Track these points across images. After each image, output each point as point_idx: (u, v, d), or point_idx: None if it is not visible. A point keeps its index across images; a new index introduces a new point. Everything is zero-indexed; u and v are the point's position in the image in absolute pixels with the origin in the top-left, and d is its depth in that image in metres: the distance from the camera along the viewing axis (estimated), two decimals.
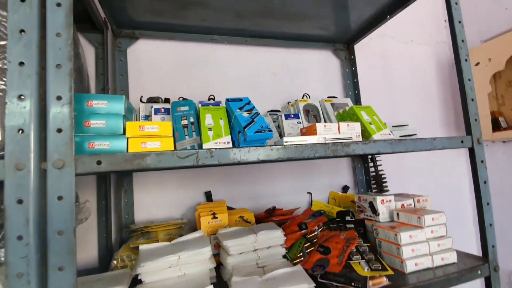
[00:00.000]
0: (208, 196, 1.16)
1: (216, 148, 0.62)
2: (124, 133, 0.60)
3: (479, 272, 0.79)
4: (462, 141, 0.83)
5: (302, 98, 1.20)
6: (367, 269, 0.76)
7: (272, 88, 1.32)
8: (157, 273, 0.77)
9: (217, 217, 1.00)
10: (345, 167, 1.39)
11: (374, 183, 1.30)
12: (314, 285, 0.68)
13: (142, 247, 0.83)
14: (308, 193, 1.29)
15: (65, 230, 0.51)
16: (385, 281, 0.72)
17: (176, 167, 0.59)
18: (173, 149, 0.64)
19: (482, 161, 0.84)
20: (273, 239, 0.87)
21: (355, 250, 0.82)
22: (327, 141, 0.73)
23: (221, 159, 0.62)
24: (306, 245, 0.92)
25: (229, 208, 1.12)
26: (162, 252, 0.80)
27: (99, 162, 0.55)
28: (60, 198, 0.52)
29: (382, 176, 1.29)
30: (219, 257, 0.91)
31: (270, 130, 0.75)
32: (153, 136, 0.61)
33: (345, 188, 1.35)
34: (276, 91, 1.32)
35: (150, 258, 0.77)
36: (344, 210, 1.07)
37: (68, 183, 0.52)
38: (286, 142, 0.70)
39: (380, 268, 0.76)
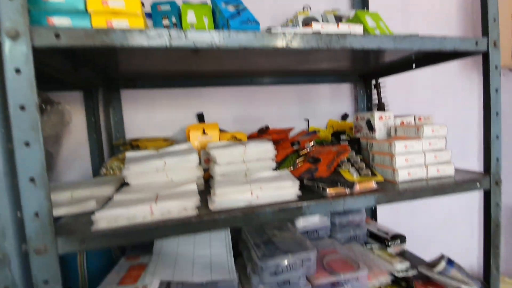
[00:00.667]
0: (200, 117, 1.12)
1: (191, 30, 0.55)
2: (86, 10, 0.53)
3: (478, 184, 0.75)
4: (476, 43, 0.73)
5: (302, 10, 1.07)
6: (356, 175, 0.73)
7: (272, 6, 1.19)
8: (144, 177, 0.76)
9: (207, 133, 0.98)
10: (346, 94, 1.31)
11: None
12: (299, 183, 0.66)
13: (128, 153, 0.82)
14: (305, 119, 1.24)
15: (26, 105, 0.48)
16: (373, 185, 0.70)
17: (146, 47, 0.53)
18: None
19: (496, 67, 0.74)
20: (262, 152, 0.84)
21: (346, 160, 0.78)
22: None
23: (198, 42, 0.56)
24: (297, 160, 0.89)
25: (222, 131, 1.09)
26: (148, 158, 0.79)
27: (57, 36, 0.50)
28: (18, 71, 0.48)
29: (385, 104, 1.21)
30: (209, 173, 0.90)
31: (258, 23, 0.67)
32: (119, 14, 0.54)
33: (344, 117, 1.28)
34: (276, 8, 1.19)
35: (135, 162, 0.76)
36: (340, 131, 1.02)
37: (25, 55, 0.48)
38: (272, 30, 0.62)
39: (369, 174, 0.73)
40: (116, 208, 0.57)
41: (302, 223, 1.01)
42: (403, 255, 1.05)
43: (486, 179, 0.76)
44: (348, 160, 0.78)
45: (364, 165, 0.76)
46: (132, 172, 0.74)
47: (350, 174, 0.74)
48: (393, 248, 1.09)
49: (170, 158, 0.77)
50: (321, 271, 0.82)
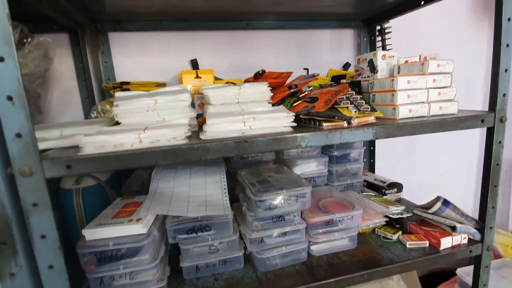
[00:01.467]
0: (194, 64, 1.07)
1: None
2: None
3: (482, 121, 0.72)
4: None
5: None
6: (355, 111, 0.70)
7: None
8: (134, 116, 0.73)
9: (200, 77, 0.94)
10: (348, 43, 1.24)
11: None
12: (293, 114, 0.63)
13: (118, 93, 0.78)
14: (304, 69, 1.19)
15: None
16: (372, 119, 0.67)
17: None
18: None
19: None
20: (258, 93, 0.80)
21: (345, 98, 0.75)
22: None
23: None
24: (295, 104, 0.86)
25: (217, 79, 1.04)
26: (139, 97, 0.75)
27: None
28: None
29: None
30: (204, 117, 0.88)
31: None
32: None
33: (346, 66, 1.23)
34: None
35: (125, 100, 0.73)
36: (340, 75, 0.97)
37: None
38: None
39: (369, 110, 0.70)
40: (103, 135, 0.55)
41: (299, 170, 1.01)
42: (399, 202, 1.06)
43: (490, 116, 0.72)
44: (347, 98, 0.75)
45: (363, 102, 0.73)
46: (122, 109, 0.71)
47: (349, 110, 0.71)
48: (389, 196, 1.10)
49: (161, 97, 0.74)
50: (316, 211, 0.82)
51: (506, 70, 0.70)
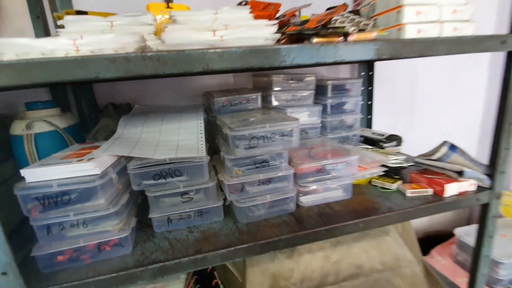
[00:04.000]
0: None
1: None
2: None
3: (504, 41, 0.60)
4: None
5: None
6: (354, 29, 0.57)
7: None
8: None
9: (172, 8, 0.79)
10: None
11: None
12: (276, 23, 0.51)
13: (68, 16, 0.65)
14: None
15: None
16: (373, 36, 0.55)
17: None
18: None
19: None
20: (238, 19, 0.67)
21: (341, 15, 0.62)
22: None
23: None
24: (286, 32, 0.73)
25: None
26: (92, 20, 0.62)
27: None
28: None
29: None
30: None
31: None
32: None
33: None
34: None
35: (76, 22, 0.59)
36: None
37: None
38: None
39: (370, 26, 0.57)
40: (27, 39, 0.42)
41: None
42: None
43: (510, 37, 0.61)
44: (345, 17, 0.62)
45: (364, 20, 0.60)
46: (71, 31, 0.58)
47: (346, 29, 0.58)
48: (388, 150, 1.00)
49: (119, 19, 0.61)
50: (307, 159, 0.72)
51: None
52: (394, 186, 0.75)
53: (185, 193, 0.64)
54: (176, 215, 0.64)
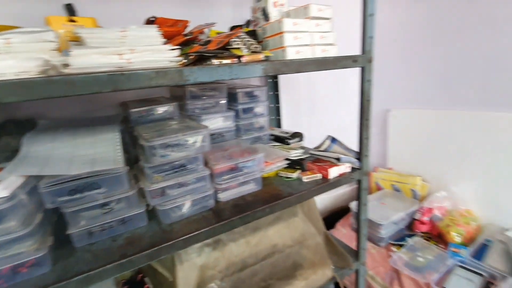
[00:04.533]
0: (70, 9, 0.90)
1: None
2: None
3: (354, 61, 0.82)
4: None
5: None
6: (247, 51, 0.70)
7: None
8: None
9: (75, 21, 0.79)
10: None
11: None
12: (179, 47, 0.59)
13: None
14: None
15: None
16: (261, 57, 0.69)
17: None
18: None
19: None
20: (146, 38, 0.72)
21: (237, 38, 0.74)
22: None
23: None
24: (190, 53, 0.81)
25: None
26: None
27: None
28: None
29: None
30: None
31: None
32: None
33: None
34: None
35: None
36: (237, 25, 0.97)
37: None
38: None
39: (259, 49, 0.71)
40: None
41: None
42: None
43: (361, 57, 0.83)
44: (240, 39, 0.75)
45: (255, 43, 0.74)
46: None
47: (240, 50, 0.71)
48: (292, 145, 1.19)
49: (17, 36, 0.59)
50: (221, 160, 0.82)
51: (371, 15, 0.81)
52: (295, 175, 0.92)
53: (105, 204, 0.67)
54: (97, 227, 0.66)
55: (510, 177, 1.28)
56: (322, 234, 1.10)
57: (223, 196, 0.82)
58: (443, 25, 1.46)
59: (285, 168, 0.97)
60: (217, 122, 1.03)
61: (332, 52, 0.83)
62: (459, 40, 1.41)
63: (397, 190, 1.68)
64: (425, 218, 1.41)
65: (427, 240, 1.38)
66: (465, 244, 1.28)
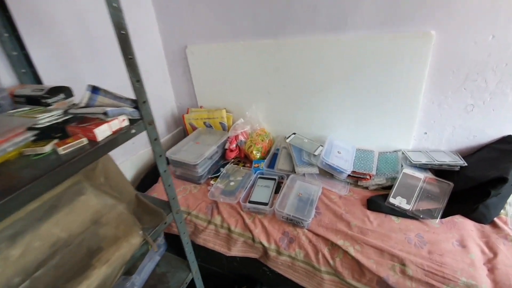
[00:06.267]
0: None
1: None
2: None
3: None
4: None
5: None
6: None
7: None
8: None
9: None
10: None
11: None
12: None
13: None
14: None
15: None
16: None
17: None
18: None
19: None
20: None
21: None
22: None
23: None
24: None
25: None
26: None
27: None
28: None
29: None
30: None
31: None
32: None
33: None
34: None
35: None
36: None
37: None
38: None
39: None
40: None
41: None
42: None
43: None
44: None
45: None
46: None
47: None
48: (57, 105, 0.88)
49: None
50: None
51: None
52: (48, 148, 0.67)
53: None
54: None
55: (284, 94, 1.55)
56: (129, 200, 0.96)
57: None
58: None
59: (34, 141, 0.69)
60: None
61: None
62: None
63: (209, 126, 1.73)
64: (233, 146, 1.55)
65: (236, 164, 1.54)
66: (263, 158, 1.52)
